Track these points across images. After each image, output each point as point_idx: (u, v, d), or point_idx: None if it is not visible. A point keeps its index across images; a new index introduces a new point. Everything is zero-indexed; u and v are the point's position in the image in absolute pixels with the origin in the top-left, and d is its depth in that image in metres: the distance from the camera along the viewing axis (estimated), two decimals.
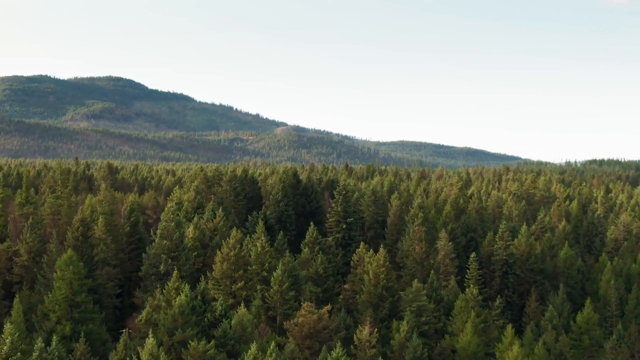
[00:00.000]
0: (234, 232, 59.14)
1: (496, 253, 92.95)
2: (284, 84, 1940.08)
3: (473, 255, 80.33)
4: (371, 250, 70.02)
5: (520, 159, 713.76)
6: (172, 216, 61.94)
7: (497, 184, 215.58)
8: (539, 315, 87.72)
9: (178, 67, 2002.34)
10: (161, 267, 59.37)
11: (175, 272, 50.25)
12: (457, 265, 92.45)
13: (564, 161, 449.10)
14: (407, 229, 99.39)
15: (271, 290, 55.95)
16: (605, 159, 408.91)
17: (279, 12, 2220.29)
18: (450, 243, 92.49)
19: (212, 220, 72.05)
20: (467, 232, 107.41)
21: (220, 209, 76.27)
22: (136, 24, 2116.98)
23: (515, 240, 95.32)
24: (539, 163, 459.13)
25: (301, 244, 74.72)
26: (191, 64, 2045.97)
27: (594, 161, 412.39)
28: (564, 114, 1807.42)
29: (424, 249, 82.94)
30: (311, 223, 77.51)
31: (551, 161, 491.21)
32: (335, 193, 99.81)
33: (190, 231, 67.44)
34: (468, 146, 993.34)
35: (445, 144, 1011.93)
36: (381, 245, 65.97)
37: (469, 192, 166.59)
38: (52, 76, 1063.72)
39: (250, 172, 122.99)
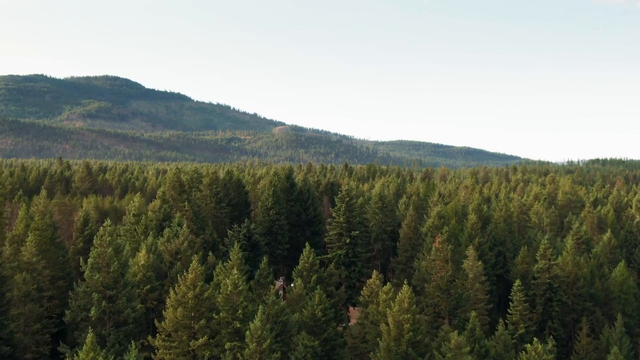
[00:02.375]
0: (193, 262, 40.94)
1: (537, 275, 75.12)
2: (282, 84, 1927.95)
3: (517, 282, 62.10)
4: (388, 283, 51.42)
5: (519, 158, 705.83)
6: (109, 238, 43.58)
7: (507, 185, 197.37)
8: (592, 353, 70.19)
9: (175, 67, 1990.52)
10: (92, 312, 41.39)
11: (89, 336, 31.82)
12: (487, 290, 74.94)
13: (565, 160, 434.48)
14: (425, 244, 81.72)
15: (246, 350, 38.04)
16: (608, 158, 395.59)
17: (277, 12, 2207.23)
18: (480, 262, 74.88)
19: (174, 239, 53.71)
20: (494, 246, 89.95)
21: (185, 225, 57.79)
22: (133, 24, 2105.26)
23: (559, 258, 77.25)
24: (540, 163, 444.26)
25: (293, 272, 56.46)
26: (188, 64, 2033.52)
27: (596, 160, 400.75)
28: (561, 113, 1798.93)
29: (450, 272, 64.91)
30: (306, 244, 59.17)
31: (552, 161, 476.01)
32: (336, 200, 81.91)
33: (141, 256, 49.17)
34: (467, 146, 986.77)
35: (444, 143, 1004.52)
36: (405, 281, 47.30)
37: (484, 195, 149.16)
38: (48, 75, 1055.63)
39: (236, 173, 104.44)
